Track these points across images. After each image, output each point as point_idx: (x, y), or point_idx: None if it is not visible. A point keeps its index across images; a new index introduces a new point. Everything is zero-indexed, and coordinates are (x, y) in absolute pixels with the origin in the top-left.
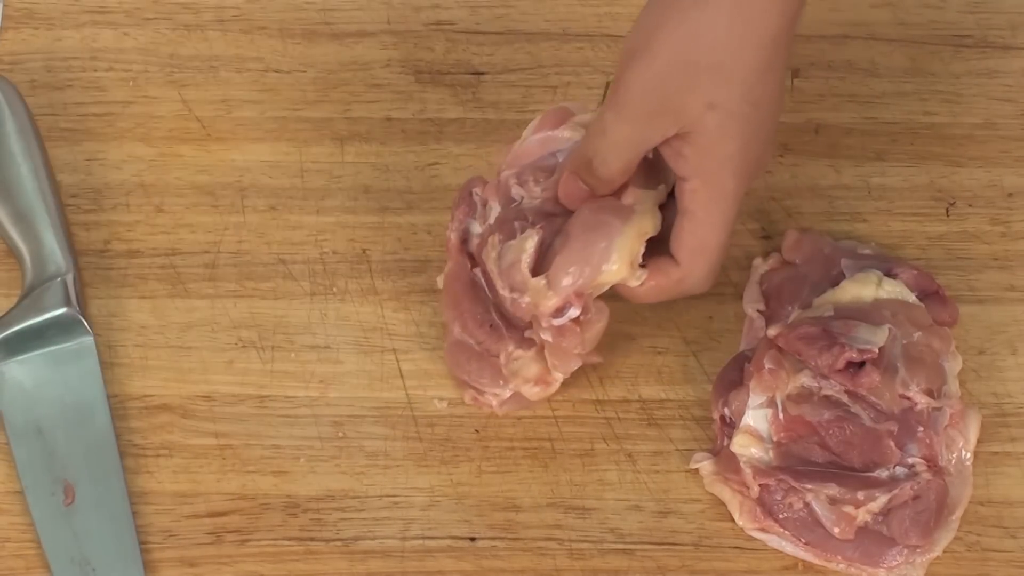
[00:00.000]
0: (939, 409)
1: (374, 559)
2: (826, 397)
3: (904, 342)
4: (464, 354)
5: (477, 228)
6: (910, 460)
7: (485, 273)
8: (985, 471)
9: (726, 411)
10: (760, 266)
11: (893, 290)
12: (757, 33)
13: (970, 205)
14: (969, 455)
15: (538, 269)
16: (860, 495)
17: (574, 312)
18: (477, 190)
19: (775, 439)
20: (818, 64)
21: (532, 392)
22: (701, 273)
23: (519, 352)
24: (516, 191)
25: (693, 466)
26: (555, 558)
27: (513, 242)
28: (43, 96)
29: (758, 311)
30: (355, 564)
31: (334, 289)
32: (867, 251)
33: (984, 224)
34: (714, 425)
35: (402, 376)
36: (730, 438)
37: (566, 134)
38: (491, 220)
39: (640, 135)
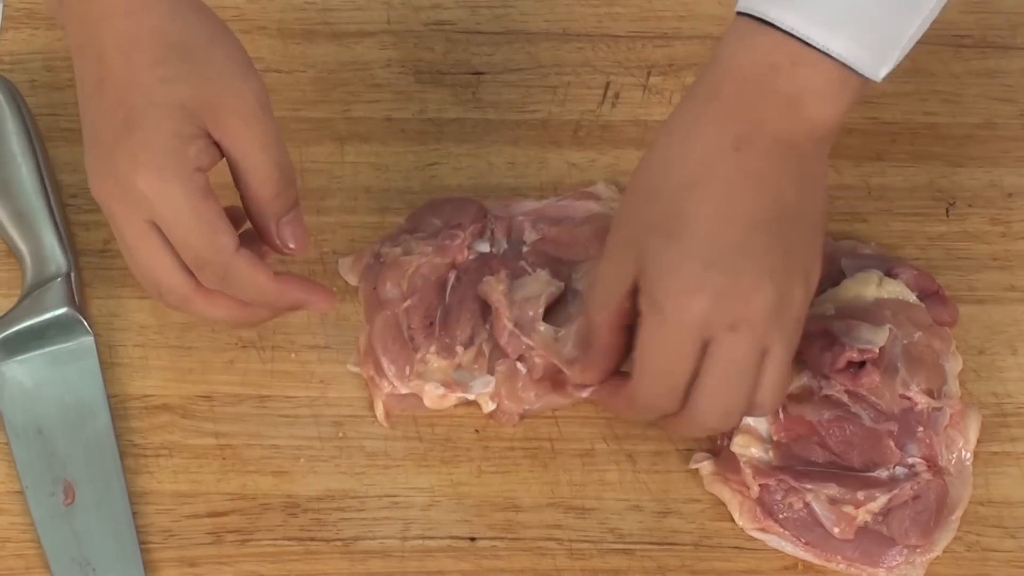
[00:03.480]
0: (939, 409)
1: (374, 559)
2: (826, 397)
3: (904, 342)
4: (392, 331)
5: (485, 247)
6: (910, 460)
7: (482, 293)
8: (985, 471)
9: None
10: None
11: (893, 290)
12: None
13: (970, 205)
14: (969, 455)
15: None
16: (860, 495)
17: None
18: (491, 217)
19: (775, 439)
20: None
21: (430, 398)
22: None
23: (435, 358)
24: (528, 234)
25: (693, 466)
26: (555, 558)
27: (528, 280)
28: (43, 96)
29: None
30: (355, 564)
31: (334, 289)
32: (867, 251)
33: (984, 224)
34: None
35: None
36: (730, 438)
37: (587, 202)
38: (497, 250)
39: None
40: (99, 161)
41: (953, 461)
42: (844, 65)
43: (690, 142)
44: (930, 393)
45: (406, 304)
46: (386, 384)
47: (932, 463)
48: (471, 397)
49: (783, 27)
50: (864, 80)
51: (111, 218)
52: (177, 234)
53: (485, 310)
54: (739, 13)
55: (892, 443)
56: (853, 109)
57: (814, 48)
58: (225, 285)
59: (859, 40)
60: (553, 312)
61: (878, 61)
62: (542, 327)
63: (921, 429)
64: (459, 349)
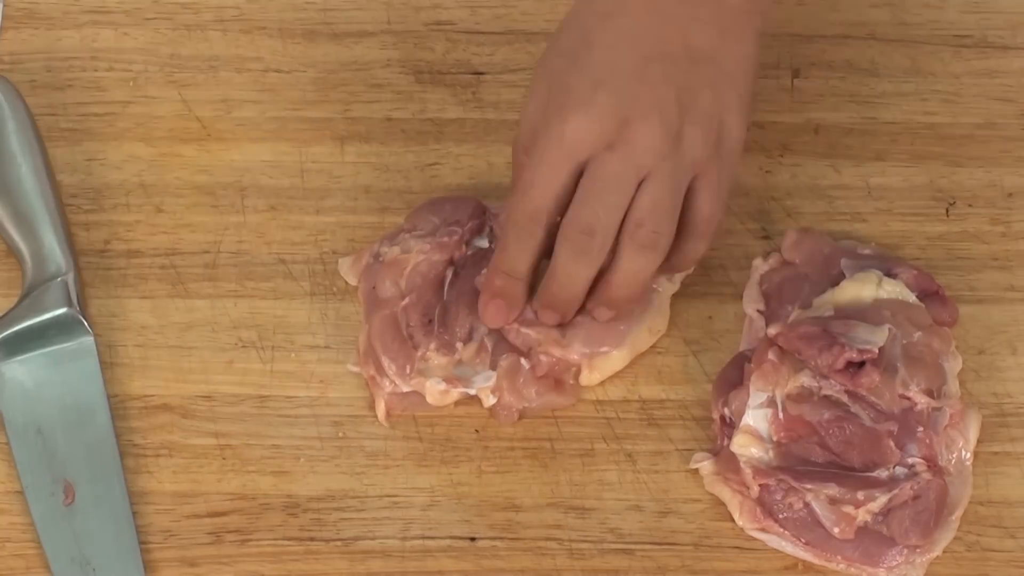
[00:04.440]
0: (939, 409)
1: (374, 559)
2: (826, 397)
3: (904, 342)
4: (392, 330)
5: (484, 243)
6: (910, 460)
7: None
8: (985, 471)
9: (726, 411)
10: (760, 266)
11: (893, 290)
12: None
13: (970, 205)
14: (969, 455)
15: None
16: (860, 495)
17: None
18: (490, 215)
19: (775, 439)
20: (818, 64)
21: (432, 394)
22: None
23: (435, 355)
24: None
25: (693, 466)
26: (555, 558)
27: None
28: (43, 96)
29: (758, 311)
30: (355, 564)
31: (334, 289)
32: (867, 251)
33: (984, 224)
34: (714, 425)
35: None
36: (730, 438)
37: None
38: (495, 246)
39: None
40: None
41: (953, 461)
42: None
43: None
44: (930, 393)
45: (404, 302)
46: (387, 383)
47: (932, 463)
48: (472, 392)
49: None
50: None
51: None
52: None
53: None
54: None
55: (892, 443)
56: (853, 109)
57: None
58: None
59: None
60: None
61: None
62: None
63: (921, 429)
64: (459, 345)
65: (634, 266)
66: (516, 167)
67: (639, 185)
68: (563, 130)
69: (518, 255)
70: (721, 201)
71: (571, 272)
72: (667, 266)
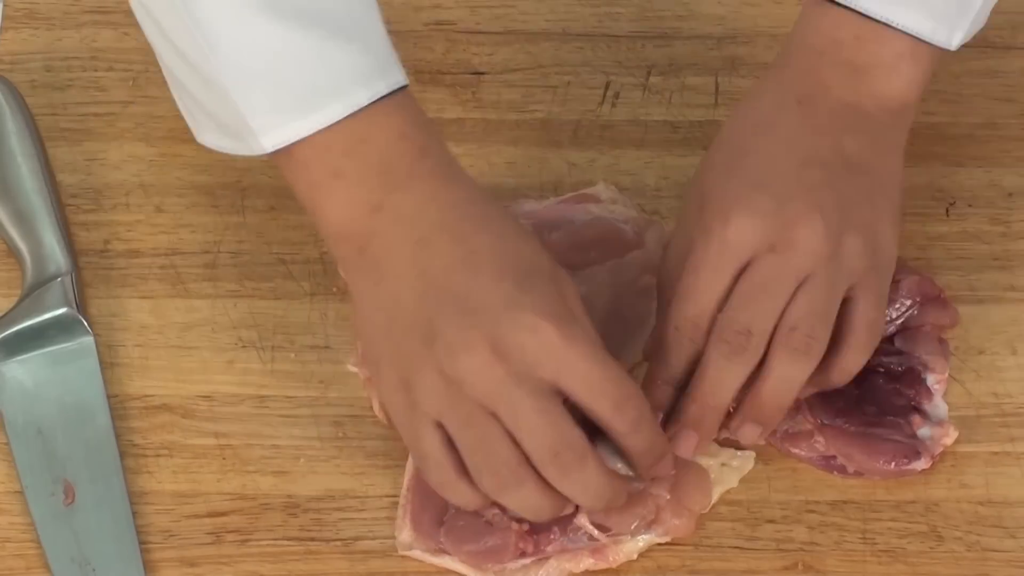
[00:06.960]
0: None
1: (374, 559)
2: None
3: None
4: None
5: None
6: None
7: None
8: (985, 471)
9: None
10: None
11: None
12: None
13: (970, 205)
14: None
15: None
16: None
17: None
18: None
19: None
20: None
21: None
22: None
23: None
24: None
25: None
26: None
27: None
28: (43, 96)
29: None
30: (355, 564)
31: (334, 289)
32: None
33: (984, 224)
34: None
35: None
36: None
37: (587, 205)
38: None
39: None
40: (462, 335)
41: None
42: (913, 37)
43: (757, 100)
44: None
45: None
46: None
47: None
48: None
49: (844, 3)
50: (938, 50)
51: (487, 397)
52: (590, 381)
53: None
54: None
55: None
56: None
57: (877, 22)
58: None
59: (925, 11)
60: None
61: (948, 30)
62: None
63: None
64: None
65: (787, 372)
66: (662, 286)
67: (796, 289)
68: (725, 233)
69: (678, 363)
70: (882, 311)
71: (724, 375)
72: (823, 380)
